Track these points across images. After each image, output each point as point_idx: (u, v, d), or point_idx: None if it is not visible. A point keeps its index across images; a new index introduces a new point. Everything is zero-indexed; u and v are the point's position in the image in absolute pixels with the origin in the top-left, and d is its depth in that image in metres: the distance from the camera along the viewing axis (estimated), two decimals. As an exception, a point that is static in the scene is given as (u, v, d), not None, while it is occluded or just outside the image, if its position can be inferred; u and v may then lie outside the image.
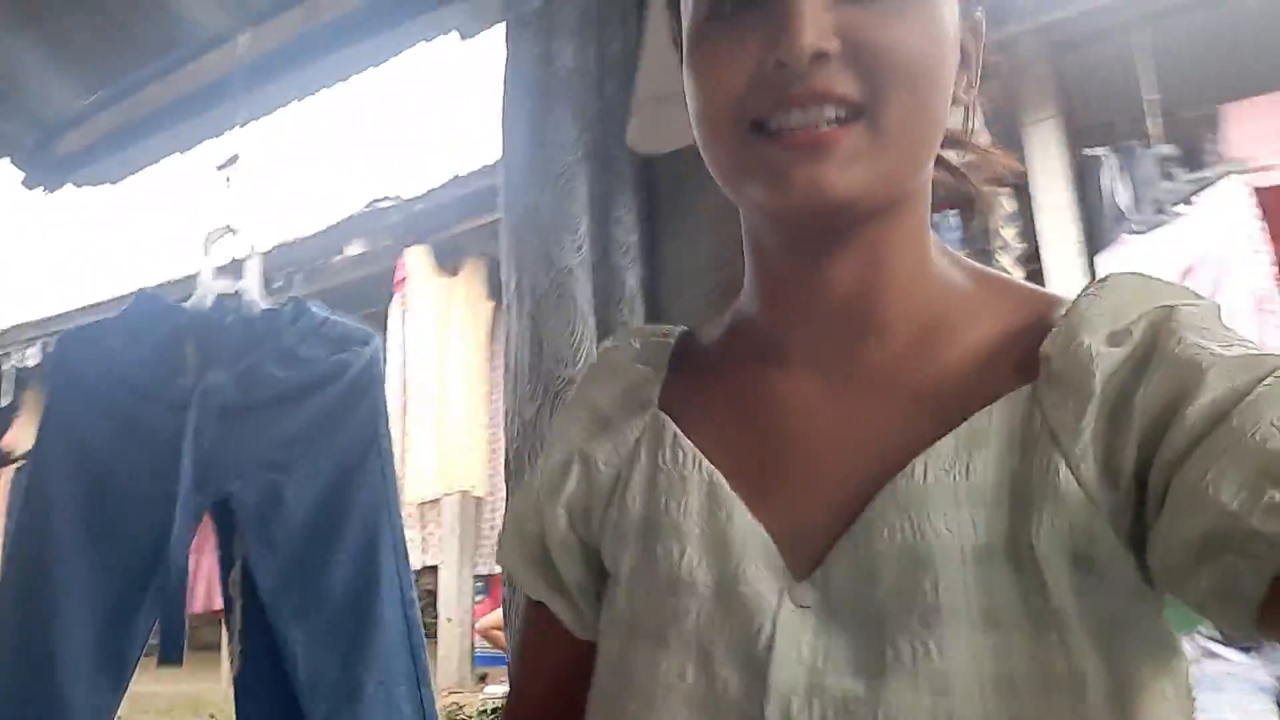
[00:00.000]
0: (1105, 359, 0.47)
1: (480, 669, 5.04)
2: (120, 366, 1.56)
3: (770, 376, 0.58)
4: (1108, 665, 0.44)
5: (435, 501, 4.80)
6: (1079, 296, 0.51)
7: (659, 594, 0.54)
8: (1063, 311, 0.51)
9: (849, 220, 0.51)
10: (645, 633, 0.54)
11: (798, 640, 0.48)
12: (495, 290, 5.23)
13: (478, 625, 4.01)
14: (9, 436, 6.16)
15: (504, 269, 1.12)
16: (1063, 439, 0.47)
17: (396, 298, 4.65)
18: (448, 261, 4.89)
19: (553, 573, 0.65)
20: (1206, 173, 3.35)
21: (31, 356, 5.75)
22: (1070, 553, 0.45)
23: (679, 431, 0.59)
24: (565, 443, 0.65)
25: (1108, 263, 3.70)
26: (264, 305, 1.64)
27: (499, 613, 4.00)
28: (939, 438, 0.49)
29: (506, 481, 1.11)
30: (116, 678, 1.48)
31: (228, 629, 1.58)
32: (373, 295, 5.41)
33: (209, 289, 1.65)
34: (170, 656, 1.49)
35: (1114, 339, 0.48)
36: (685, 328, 0.68)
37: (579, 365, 0.99)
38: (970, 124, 0.59)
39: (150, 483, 1.52)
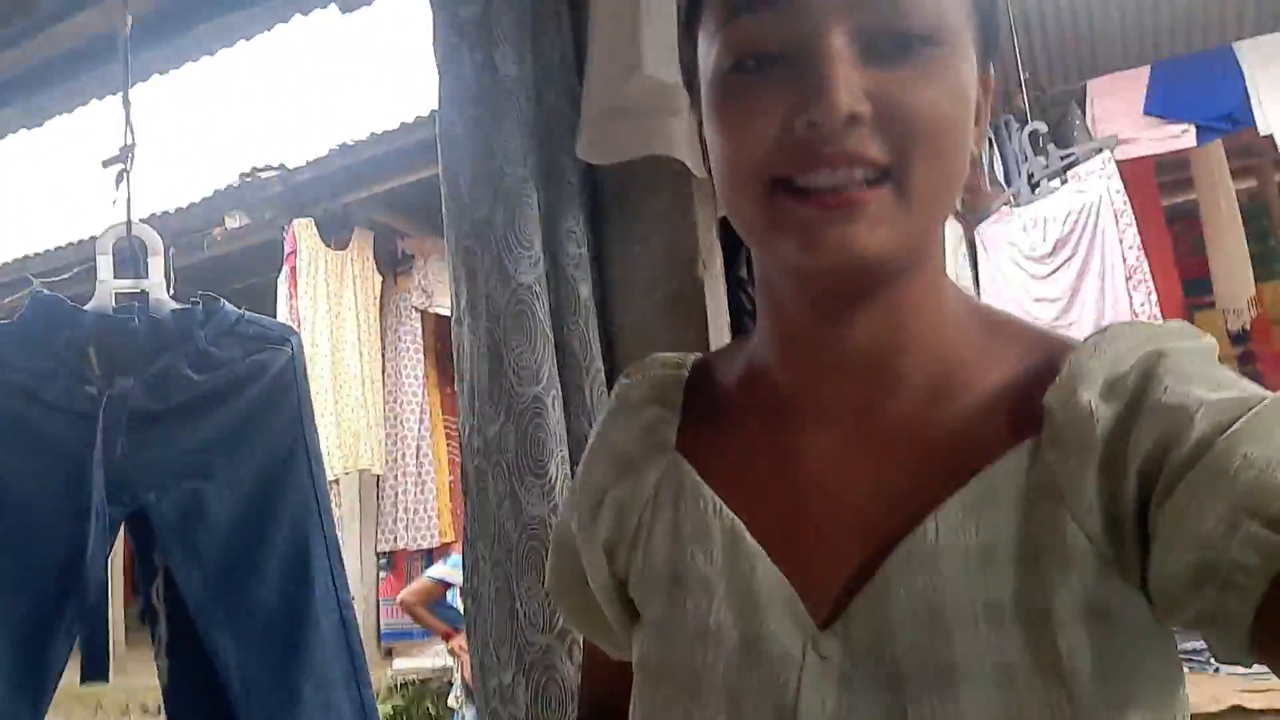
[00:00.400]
0: (1103, 413, 0.48)
1: (386, 644, 4.99)
2: (18, 376, 1.47)
3: (787, 429, 0.58)
4: (1118, 715, 0.46)
5: (334, 481, 4.69)
6: (1078, 347, 0.52)
7: (687, 644, 0.56)
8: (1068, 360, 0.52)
9: (875, 280, 0.52)
10: (676, 682, 0.56)
11: (822, 693, 0.50)
12: (385, 262, 5.10)
13: (400, 598, 3.92)
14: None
15: (452, 285, 1.10)
16: (1068, 496, 0.48)
17: (285, 272, 4.47)
18: (335, 233, 4.73)
19: (597, 611, 0.67)
20: (1075, 149, 3.55)
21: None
22: (1085, 608, 0.47)
23: (698, 478, 0.60)
24: (592, 486, 0.66)
25: (986, 232, 3.92)
26: (172, 305, 1.57)
27: (420, 583, 3.92)
28: (950, 493, 0.51)
29: (465, 495, 1.11)
30: (35, 700, 1.42)
31: (153, 643, 1.53)
32: (253, 268, 5.19)
33: (110, 289, 1.56)
34: (95, 674, 1.44)
35: (1110, 392, 0.49)
36: (699, 355, 0.69)
37: (542, 383, 0.99)
38: (981, 173, 0.61)
39: (60, 498, 1.45)
